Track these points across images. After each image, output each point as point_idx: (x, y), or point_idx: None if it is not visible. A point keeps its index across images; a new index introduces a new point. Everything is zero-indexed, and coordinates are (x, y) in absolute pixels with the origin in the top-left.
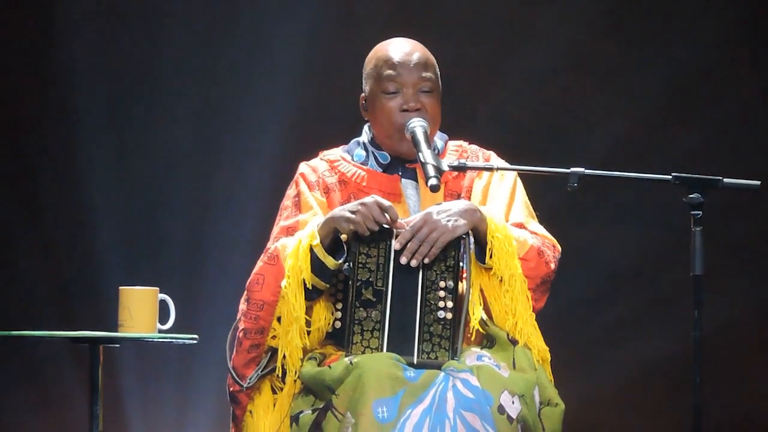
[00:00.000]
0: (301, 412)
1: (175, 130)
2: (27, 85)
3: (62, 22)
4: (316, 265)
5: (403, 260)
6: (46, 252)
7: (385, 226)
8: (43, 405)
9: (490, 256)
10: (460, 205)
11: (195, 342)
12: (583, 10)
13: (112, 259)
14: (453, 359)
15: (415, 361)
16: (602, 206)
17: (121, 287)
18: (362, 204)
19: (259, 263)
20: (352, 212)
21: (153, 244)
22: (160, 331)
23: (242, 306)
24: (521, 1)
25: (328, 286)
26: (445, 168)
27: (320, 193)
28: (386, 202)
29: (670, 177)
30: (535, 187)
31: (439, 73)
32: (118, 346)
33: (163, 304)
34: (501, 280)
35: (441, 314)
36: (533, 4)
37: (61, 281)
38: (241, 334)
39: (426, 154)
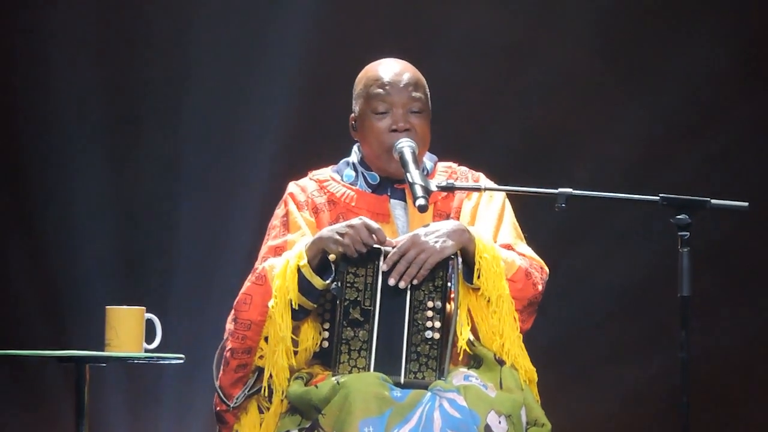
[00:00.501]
0: (288, 431)
1: (163, 149)
2: (14, 102)
3: (52, 31)
4: (304, 286)
5: (392, 282)
6: (33, 271)
7: (374, 246)
8: (29, 424)
9: (478, 277)
10: (448, 225)
11: (181, 362)
12: (576, 33)
13: (99, 278)
14: (440, 379)
15: (402, 381)
16: (596, 229)
17: (107, 307)
18: (350, 226)
19: (247, 283)
20: (341, 234)
21: (140, 263)
22: (147, 351)
23: (229, 325)
24: (513, 24)
25: (315, 306)
26: (434, 188)
27: (309, 212)
28: (374, 224)
29: (658, 198)
30: (528, 210)
31: (429, 93)
32: (104, 365)
33: (149, 324)
34: (488, 301)
35: (428, 334)
36: (525, 27)
37: (49, 300)
38: (228, 354)
39: (414, 175)
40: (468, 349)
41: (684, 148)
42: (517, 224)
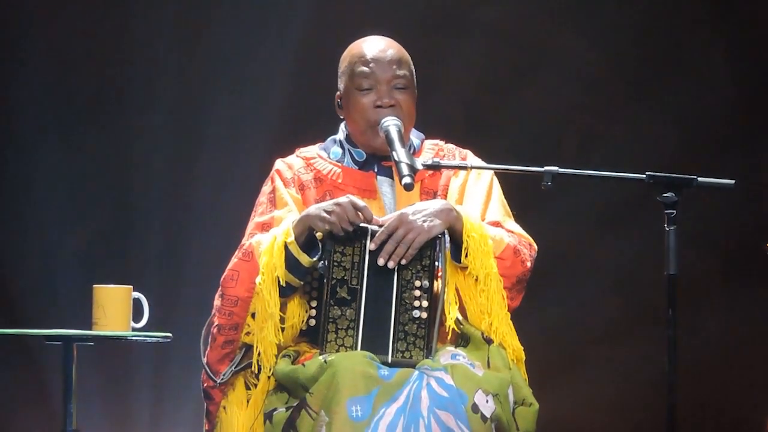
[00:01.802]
0: (275, 409)
1: (152, 126)
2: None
3: (19, 21)
4: (291, 263)
5: (381, 262)
6: (20, 250)
7: (361, 225)
8: (17, 403)
9: (466, 256)
10: (435, 204)
11: (169, 340)
12: (556, 7)
13: (87, 257)
14: (427, 358)
15: (389, 360)
16: (585, 207)
17: (95, 285)
18: (337, 204)
19: (234, 259)
20: (327, 212)
21: (127, 241)
22: (134, 330)
23: (216, 302)
24: (508, 5)
25: (302, 283)
26: (419, 167)
27: (295, 189)
28: (361, 203)
29: (644, 176)
30: (518, 191)
31: (414, 70)
32: (92, 344)
33: (136, 303)
34: (476, 280)
35: (416, 313)
36: (509, 3)
37: (36, 279)
38: (215, 330)
39: (400, 153)
40: (456, 328)
41: (668, 122)
42: (505, 201)
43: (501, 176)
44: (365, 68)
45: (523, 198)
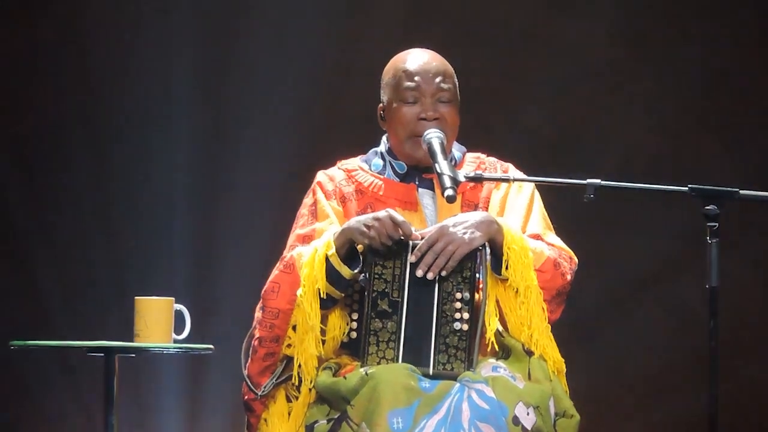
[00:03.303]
0: (316, 422)
1: (190, 138)
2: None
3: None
4: (332, 275)
5: (419, 273)
6: (61, 262)
7: (401, 238)
8: (59, 415)
9: (506, 268)
10: (476, 216)
11: (210, 352)
12: (601, 19)
13: (127, 269)
14: (468, 370)
15: (430, 372)
16: (619, 215)
17: (136, 297)
18: (376, 219)
19: (275, 271)
20: (367, 227)
21: (168, 253)
22: (176, 341)
23: (257, 314)
24: (538, 11)
25: (343, 295)
26: (462, 179)
27: (336, 202)
28: (400, 218)
29: (687, 188)
30: (552, 197)
31: (457, 83)
32: (133, 356)
33: (178, 314)
34: (517, 292)
35: (457, 325)
36: (551, 14)
37: (77, 291)
38: (256, 342)
39: (442, 165)
40: (496, 340)
41: (711, 136)
42: (546, 214)
43: (540, 187)
44: (410, 81)
45: (559, 207)
